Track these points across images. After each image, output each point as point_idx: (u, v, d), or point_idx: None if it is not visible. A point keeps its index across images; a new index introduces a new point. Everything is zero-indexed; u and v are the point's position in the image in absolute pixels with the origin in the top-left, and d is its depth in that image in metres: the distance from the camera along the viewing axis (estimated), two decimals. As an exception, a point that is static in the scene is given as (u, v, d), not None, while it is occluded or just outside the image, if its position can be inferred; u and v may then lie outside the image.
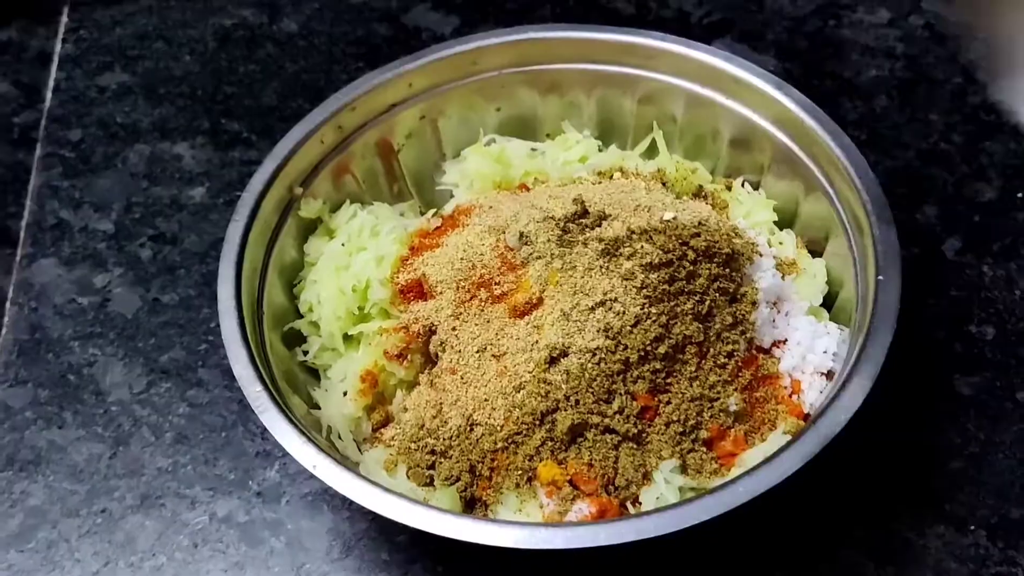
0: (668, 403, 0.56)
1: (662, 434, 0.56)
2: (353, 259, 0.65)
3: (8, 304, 0.76)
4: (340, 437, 0.60)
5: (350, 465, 0.54)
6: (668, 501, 0.54)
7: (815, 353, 0.60)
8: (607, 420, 0.55)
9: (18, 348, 0.74)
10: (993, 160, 0.79)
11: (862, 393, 0.52)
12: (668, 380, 0.57)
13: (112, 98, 0.90)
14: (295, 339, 0.66)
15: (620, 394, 0.55)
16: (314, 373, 0.65)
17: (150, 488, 0.66)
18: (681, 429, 0.56)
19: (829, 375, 0.60)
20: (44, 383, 0.72)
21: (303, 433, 0.53)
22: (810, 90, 0.84)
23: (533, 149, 0.73)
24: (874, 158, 0.79)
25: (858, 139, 0.80)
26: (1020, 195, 0.76)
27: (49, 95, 0.90)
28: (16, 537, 0.65)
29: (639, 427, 0.56)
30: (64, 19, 0.96)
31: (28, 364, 0.73)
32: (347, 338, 0.64)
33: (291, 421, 0.53)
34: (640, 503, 0.55)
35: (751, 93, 0.68)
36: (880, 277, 0.57)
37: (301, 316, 0.66)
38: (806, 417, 0.58)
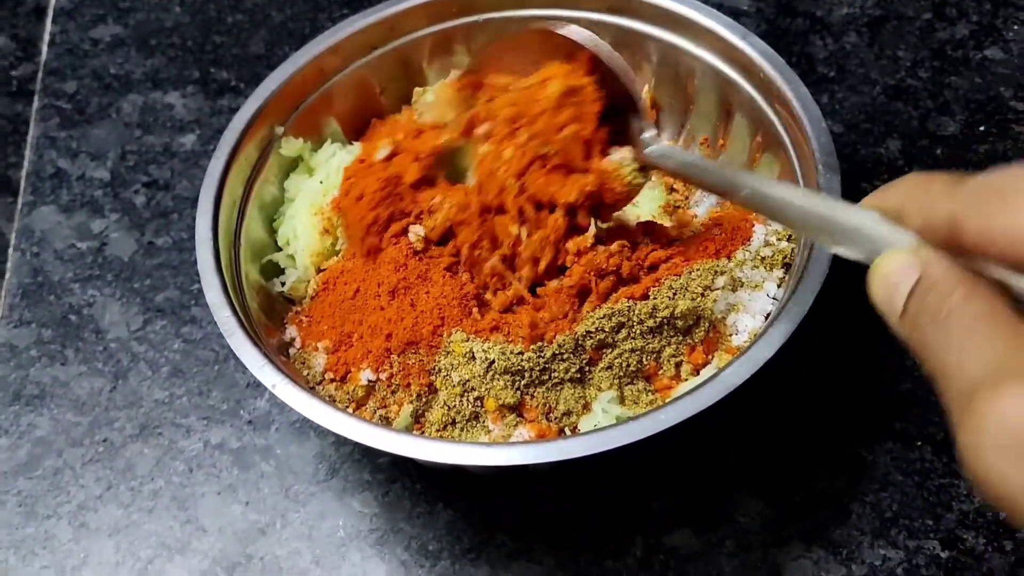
0: (612, 352, 0.59)
1: (603, 372, 0.59)
2: (329, 197, 0.67)
3: (11, 250, 0.80)
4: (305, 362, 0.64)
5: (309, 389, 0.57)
6: None
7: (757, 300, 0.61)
8: (554, 375, 0.59)
9: (22, 291, 0.78)
10: (958, 95, 0.80)
11: (790, 329, 0.53)
12: (616, 339, 0.59)
13: (105, 50, 0.92)
14: (274, 271, 0.69)
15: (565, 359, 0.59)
16: (293, 303, 0.68)
17: (148, 418, 0.71)
18: (621, 373, 0.59)
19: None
20: (47, 323, 0.76)
21: (266, 356, 0.56)
22: (782, 29, 0.86)
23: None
24: (842, 94, 0.81)
25: (827, 76, 0.83)
26: (982, 128, 0.78)
27: (45, 48, 0.93)
28: (24, 466, 0.69)
29: (582, 372, 0.59)
30: (57, -27, 0.98)
31: (31, 306, 0.77)
32: (321, 272, 0.67)
33: (256, 344, 0.57)
34: (578, 429, 0.58)
35: (719, 42, 0.69)
36: None
37: (280, 249, 0.69)
38: None
